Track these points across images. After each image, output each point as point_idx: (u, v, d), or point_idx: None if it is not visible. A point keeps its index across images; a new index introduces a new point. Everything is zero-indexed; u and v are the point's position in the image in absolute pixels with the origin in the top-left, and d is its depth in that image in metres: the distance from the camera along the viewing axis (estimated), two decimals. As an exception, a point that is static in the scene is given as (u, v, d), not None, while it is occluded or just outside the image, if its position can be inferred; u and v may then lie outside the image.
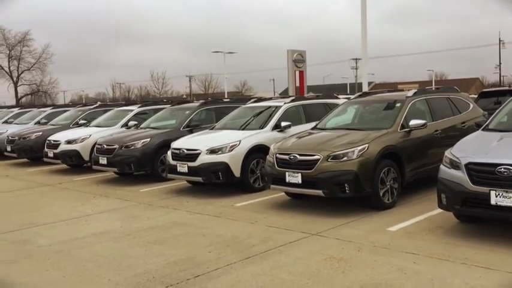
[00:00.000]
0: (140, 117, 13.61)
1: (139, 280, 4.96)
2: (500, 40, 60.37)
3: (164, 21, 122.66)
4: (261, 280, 4.80)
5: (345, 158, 7.09)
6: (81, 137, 12.89)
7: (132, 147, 10.74)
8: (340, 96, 12.49)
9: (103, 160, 11.06)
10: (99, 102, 19.85)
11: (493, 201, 5.29)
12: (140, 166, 10.72)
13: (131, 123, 13.03)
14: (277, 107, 10.26)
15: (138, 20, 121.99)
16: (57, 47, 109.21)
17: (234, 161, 8.95)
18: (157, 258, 5.61)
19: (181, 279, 4.93)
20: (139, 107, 14.48)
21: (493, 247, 5.38)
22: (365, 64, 15.86)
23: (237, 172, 8.98)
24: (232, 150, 9.01)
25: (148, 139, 10.86)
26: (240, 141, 9.14)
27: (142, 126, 12.37)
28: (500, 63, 61.71)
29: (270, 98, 12.67)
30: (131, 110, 14.18)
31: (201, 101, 13.68)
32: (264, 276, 4.89)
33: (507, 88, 13.18)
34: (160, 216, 7.70)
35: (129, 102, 20.97)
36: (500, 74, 62.91)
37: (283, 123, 9.70)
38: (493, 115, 6.97)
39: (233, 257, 5.51)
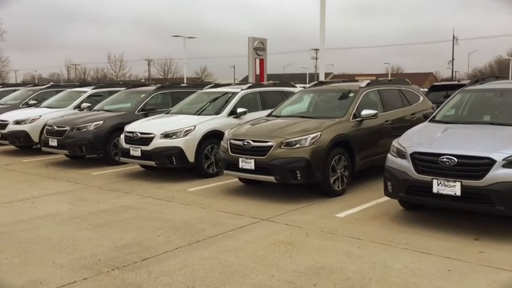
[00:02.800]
0: (94, 99, 13.30)
1: (85, 263, 4.89)
2: (454, 36, 62.37)
3: (123, 2, 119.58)
4: (208, 263, 4.83)
5: (298, 145, 7.19)
6: (31, 117, 12.47)
7: (84, 130, 10.50)
8: (297, 85, 12.61)
9: (53, 142, 10.76)
10: (51, 83, 19.22)
11: (435, 190, 5.51)
12: (92, 149, 10.50)
13: (84, 105, 12.72)
14: (234, 93, 10.26)
15: (95, 0, 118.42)
16: (9, 24, 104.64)
17: (189, 145, 8.91)
18: (105, 241, 5.54)
19: (128, 262, 4.89)
20: (93, 88, 14.15)
21: (433, 233, 5.62)
22: (323, 55, 16.06)
23: (191, 157, 8.94)
24: (186, 135, 8.96)
25: (102, 121, 10.63)
26: (195, 126, 9.10)
27: (95, 108, 12.09)
28: (453, 59, 63.80)
29: (228, 84, 12.63)
30: (85, 92, 13.84)
31: (158, 85, 13.49)
32: (211, 260, 4.92)
33: (456, 83, 13.66)
34: (110, 200, 7.58)
35: (84, 84, 20.38)
36: (452, 70, 65.10)
37: (239, 110, 9.71)
38: (440, 107, 7.23)
39: (182, 241, 5.52)
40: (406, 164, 5.79)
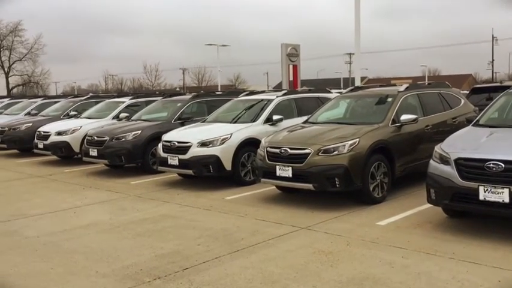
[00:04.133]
0: (132, 109, 13.53)
1: (127, 272, 4.94)
2: (493, 37, 60.60)
3: (156, 13, 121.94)
4: (249, 273, 4.79)
5: (336, 152, 7.09)
6: (72, 128, 12.80)
7: (123, 139, 10.68)
8: (332, 91, 12.49)
9: (93, 152, 11.00)
10: (90, 94, 19.72)
11: (481, 197, 5.31)
12: (131, 158, 10.66)
13: (122, 115, 12.94)
14: (269, 101, 10.24)
15: (130, 12, 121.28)
16: (49, 38, 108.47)
17: (225, 154, 8.93)
18: (146, 251, 5.59)
19: (169, 271, 4.91)
20: (131, 98, 14.40)
21: (480, 242, 5.41)
22: (358, 59, 15.87)
23: (228, 165, 8.95)
24: (223, 143, 8.98)
25: (140, 131, 10.80)
26: (231, 134, 9.11)
27: (133, 118, 12.30)
28: (493, 59, 61.97)
29: (263, 91, 12.63)
30: (123, 102, 14.10)
31: (193, 93, 13.63)
32: (252, 269, 4.88)
33: (498, 84, 13.18)
34: (150, 209, 7.67)
35: (121, 94, 20.82)
36: (492, 71, 63.16)
37: (275, 117, 9.68)
38: (484, 111, 6.99)
39: (222, 250, 5.51)
40: (450, 171, 5.61)
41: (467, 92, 13.20)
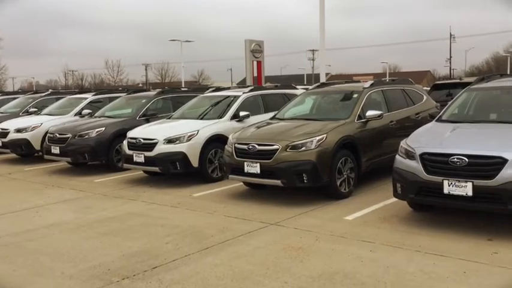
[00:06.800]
0: (94, 105, 13.22)
1: (94, 272, 4.82)
2: (451, 34, 62.44)
3: (119, 8, 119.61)
4: (219, 270, 4.76)
5: (304, 148, 7.13)
6: (32, 125, 12.39)
7: (86, 136, 10.43)
8: (298, 87, 12.56)
9: (55, 149, 10.69)
10: (50, 90, 19.14)
11: (446, 190, 5.44)
12: (95, 156, 10.42)
13: (85, 111, 12.62)
14: (236, 97, 10.20)
15: (92, 6, 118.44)
16: (5, 31, 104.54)
17: (192, 150, 8.85)
18: (113, 250, 5.47)
19: (138, 270, 4.82)
20: (94, 95, 14.07)
21: (445, 235, 5.55)
22: (323, 55, 15.98)
23: (195, 162, 8.87)
24: (190, 139, 8.89)
25: (103, 128, 10.56)
26: (198, 130, 9.03)
27: (96, 115, 12.01)
28: (450, 56, 63.94)
29: (228, 88, 12.57)
30: (85, 98, 13.76)
31: (158, 89, 13.43)
32: (222, 267, 4.85)
33: (458, 81, 13.60)
34: (116, 207, 7.51)
35: (82, 90, 20.31)
36: (450, 67, 65.24)
37: (241, 113, 9.65)
38: (446, 107, 7.17)
39: (191, 248, 5.45)
40: (416, 165, 5.73)
41: (428, 88, 13.54)
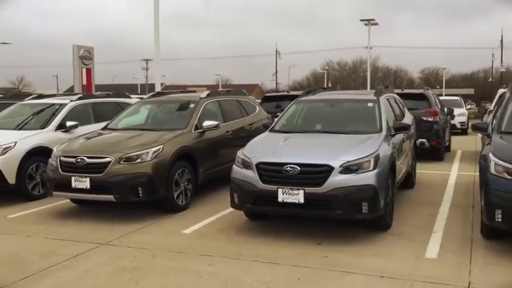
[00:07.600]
0: None
1: None
2: (276, 51, 67.02)
3: None
4: (40, 303, 4.14)
5: (139, 160, 6.73)
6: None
7: None
8: (132, 96, 12.03)
9: None
10: None
11: (280, 199, 5.58)
12: None
13: None
14: (62, 105, 9.31)
15: None
16: None
17: (8, 165, 7.77)
18: None
19: None
20: None
21: (279, 242, 5.68)
22: (158, 65, 15.66)
23: (11, 178, 7.80)
24: (5, 153, 7.80)
25: None
26: (15, 142, 7.98)
27: None
28: (276, 71, 68.57)
29: (53, 95, 11.46)
30: None
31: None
32: (44, 298, 4.23)
33: (286, 93, 14.55)
34: None
35: None
36: (276, 81, 69.96)
37: (68, 123, 8.83)
38: (278, 117, 7.46)
39: (8, 278, 4.68)
40: (252, 175, 5.78)
41: (259, 100, 14.18)
